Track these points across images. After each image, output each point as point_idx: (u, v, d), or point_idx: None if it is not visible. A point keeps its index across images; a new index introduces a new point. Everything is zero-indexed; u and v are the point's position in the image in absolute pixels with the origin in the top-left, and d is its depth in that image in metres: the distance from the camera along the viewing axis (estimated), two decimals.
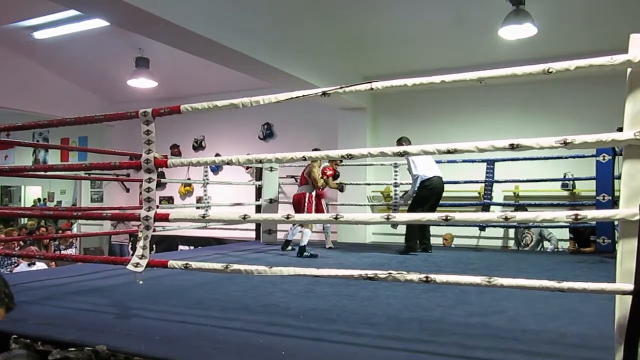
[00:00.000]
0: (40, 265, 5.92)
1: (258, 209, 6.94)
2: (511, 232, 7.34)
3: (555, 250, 6.49)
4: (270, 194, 6.76)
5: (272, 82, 6.76)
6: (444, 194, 7.77)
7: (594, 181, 5.48)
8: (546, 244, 6.72)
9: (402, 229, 8.04)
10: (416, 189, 5.65)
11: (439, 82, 2.09)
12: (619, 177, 4.20)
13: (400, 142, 5.78)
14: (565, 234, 6.42)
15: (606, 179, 5.27)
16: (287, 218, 2.37)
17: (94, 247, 10.43)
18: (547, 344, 2.22)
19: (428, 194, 5.59)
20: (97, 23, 6.89)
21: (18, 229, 8.48)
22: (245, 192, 8.34)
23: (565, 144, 1.84)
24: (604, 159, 5.31)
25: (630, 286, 1.65)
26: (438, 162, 6.40)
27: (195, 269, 2.59)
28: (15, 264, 6.25)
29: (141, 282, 2.71)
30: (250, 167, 7.77)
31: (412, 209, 5.66)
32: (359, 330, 2.47)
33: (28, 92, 9.05)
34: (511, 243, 7.35)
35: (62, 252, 8.29)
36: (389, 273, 2.04)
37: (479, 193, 7.36)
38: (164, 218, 2.75)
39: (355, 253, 5.91)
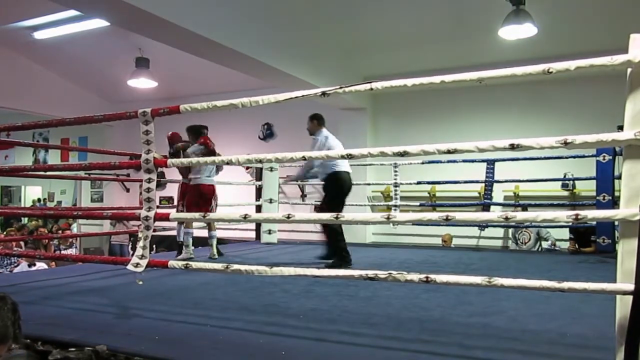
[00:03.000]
0: (40, 265, 5.92)
1: (258, 208, 6.94)
2: (510, 232, 7.33)
3: (553, 246, 6.48)
4: (270, 194, 6.76)
5: (272, 83, 6.76)
6: (444, 194, 7.87)
7: (594, 181, 5.48)
8: (544, 243, 6.71)
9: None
10: (310, 176, 5.03)
11: (439, 82, 2.09)
12: (619, 177, 4.20)
13: (312, 119, 5.16)
14: (564, 233, 6.41)
15: (606, 179, 5.26)
16: (288, 218, 2.37)
17: (94, 247, 10.44)
18: (547, 344, 2.22)
19: (341, 190, 4.89)
20: (97, 23, 6.88)
21: (17, 229, 8.47)
22: (245, 192, 8.33)
23: (566, 144, 1.84)
24: (604, 159, 5.30)
25: (630, 286, 1.65)
26: (438, 162, 6.42)
27: (196, 269, 2.59)
28: (15, 264, 6.24)
29: (141, 283, 2.71)
30: (250, 167, 7.75)
31: (328, 208, 4.67)
32: (359, 331, 2.47)
33: (28, 92, 9.05)
34: (509, 242, 7.32)
35: (62, 252, 8.28)
36: (389, 273, 2.04)
37: (479, 193, 7.36)
38: (164, 218, 2.75)
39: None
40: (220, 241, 6.01)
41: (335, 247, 4.78)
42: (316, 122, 5.15)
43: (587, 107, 6.97)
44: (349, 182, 4.99)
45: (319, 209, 5.07)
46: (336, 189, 4.90)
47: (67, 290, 3.53)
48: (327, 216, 2.41)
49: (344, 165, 4.93)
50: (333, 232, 4.80)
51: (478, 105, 7.68)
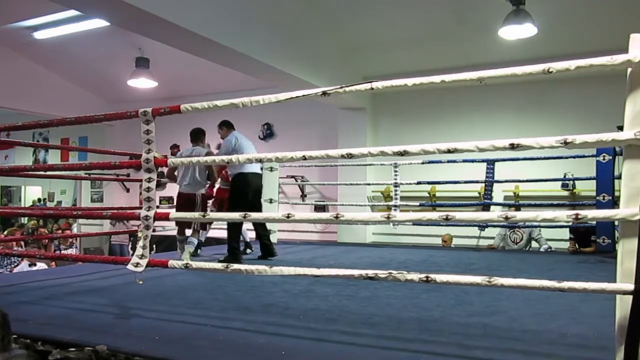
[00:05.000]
0: (40, 265, 5.92)
1: None
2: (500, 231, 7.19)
3: (549, 249, 6.45)
4: (270, 194, 6.76)
5: (272, 83, 6.76)
6: (444, 194, 7.87)
7: (594, 181, 5.48)
8: (534, 244, 6.66)
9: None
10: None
11: (439, 82, 2.09)
12: (619, 177, 4.20)
13: (222, 126, 5.29)
14: (564, 234, 6.41)
15: (606, 179, 5.26)
16: (287, 217, 2.37)
17: (94, 247, 10.43)
18: (547, 344, 2.22)
19: (244, 191, 5.08)
20: (97, 23, 6.89)
21: (18, 228, 8.48)
22: None
23: (566, 143, 1.84)
24: (604, 159, 5.30)
25: (630, 286, 1.65)
26: (438, 162, 6.42)
27: (196, 268, 2.59)
28: (16, 264, 6.25)
29: (141, 282, 2.71)
30: None
31: (232, 208, 5.06)
32: (360, 331, 2.46)
33: (28, 92, 9.05)
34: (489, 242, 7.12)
35: (62, 252, 8.28)
36: (389, 273, 2.04)
37: (479, 193, 7.36)
38: (164, 218, 2.75)
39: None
40: (221, 241, 6.02)
41: (231, 245, 5.05)
42: (225, 128, 5.31)
43: (587, 107, 6.96)
44: (255, 183, 5.17)
45: (227, 209, 5.13)
46: (240, 190, 5.07)
47: (67, 290, 3.53)
48: (326, 215, 2.40)
49: (251, 167, 5.09)
50: (233, 231, 5.07)
51: (478, 105, 7.68)
